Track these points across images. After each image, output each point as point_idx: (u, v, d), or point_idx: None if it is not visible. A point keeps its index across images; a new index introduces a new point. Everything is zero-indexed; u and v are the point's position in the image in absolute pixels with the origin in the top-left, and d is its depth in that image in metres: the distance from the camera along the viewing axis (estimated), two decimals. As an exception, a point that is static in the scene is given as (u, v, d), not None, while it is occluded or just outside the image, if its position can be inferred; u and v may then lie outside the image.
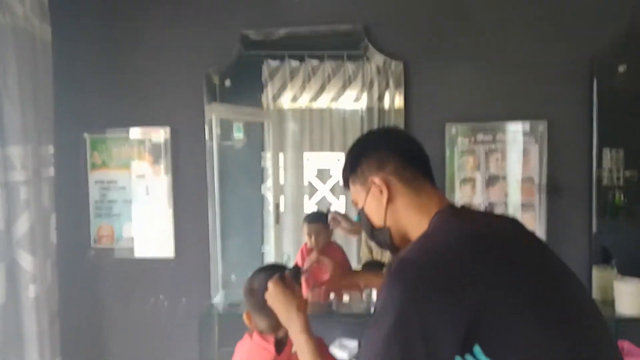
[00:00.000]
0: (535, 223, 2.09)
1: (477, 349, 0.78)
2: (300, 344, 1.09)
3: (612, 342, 0.94)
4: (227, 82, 2.30)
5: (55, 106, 2.09)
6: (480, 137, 2.12)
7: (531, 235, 0.99)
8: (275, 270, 1.36)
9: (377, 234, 1.05)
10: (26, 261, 1.85)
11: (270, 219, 2.49)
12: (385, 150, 1.03)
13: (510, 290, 0.80)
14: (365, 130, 2.42)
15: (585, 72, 2.07)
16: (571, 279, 0.93)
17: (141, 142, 2.21)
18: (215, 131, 2.32)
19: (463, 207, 1.02)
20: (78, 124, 2.22)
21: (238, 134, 2.53)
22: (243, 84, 2.40)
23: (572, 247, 2.04)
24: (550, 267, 0.92)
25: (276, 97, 2.46)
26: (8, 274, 1.80)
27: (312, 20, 2.19)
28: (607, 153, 2.14)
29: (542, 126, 2.08)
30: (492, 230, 0.92)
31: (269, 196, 2.49)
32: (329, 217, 2.31)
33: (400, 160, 1.01)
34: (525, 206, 2.12)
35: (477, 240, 0.87)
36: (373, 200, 1.02)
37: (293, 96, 2.46)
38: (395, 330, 0.78)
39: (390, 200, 1.00)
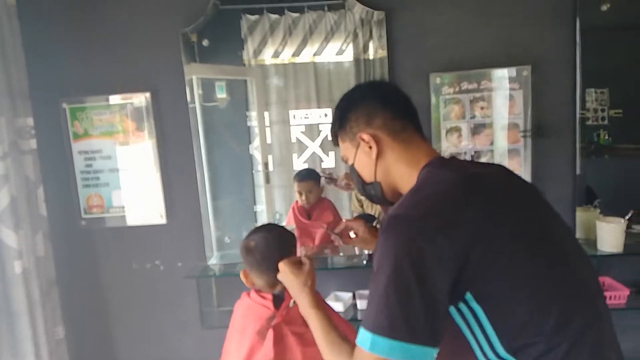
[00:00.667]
0: (521, 167, 2.14)
1: (468, 295, 0.82)
2: (312, 319, 1.12)
3: (595, 278, 0.98)
4: (205, 42, 2.25)
5: (29, 76, 2.04)
6: (464, 85, 2.13)
7: (518, 178, 1.02)
8: (271, 229, 1.41)
9: (369, 189, 1.08)
10: (8, 237, 1.86)
11: (260, 178, 2.51)
12: (372, 104, 1.03)
13: (497, 233, 0.83)
14: (351, 83, 2.42)
15: (569, 13, 2.06)
16: (556, 220, 0.96)
17: (122, 109, 2.19)
18: (197, 92, 2.29)
19: (452, 158, 1.04)
20: (55, 94, 2.17)
21: (221, 94, 2.51)
22: (222, 41, 2.36)
23: (557, 189, 2.10)
24: (536, 208, 0.95)
25: (257, 52, 2.42)
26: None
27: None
28: (591, 93, 2.18)
29: (526, 71, 2.08)
30: (478, 176, 0.94)
31: (258, 156, 2.51)
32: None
33: (388, 112, 1.02)
34: (510, 151, 2.16)
35: (464, 185, 0.89)
36: (363, 156, 1.04)
37: (275, 51, 2.43)
38: (391, 284, 0.81)
39: (379, 155, 1.02)
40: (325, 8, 2.33)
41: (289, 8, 2.35)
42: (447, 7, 2.11)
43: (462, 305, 0.84)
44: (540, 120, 2.12)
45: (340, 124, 1.07)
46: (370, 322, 0.83)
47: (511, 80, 2.11)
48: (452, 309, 0.85)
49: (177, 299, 2.30)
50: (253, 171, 2.54)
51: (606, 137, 2.24)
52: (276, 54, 2.43)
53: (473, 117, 2.16)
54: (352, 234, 1.45)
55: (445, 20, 2.11)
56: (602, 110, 2.22)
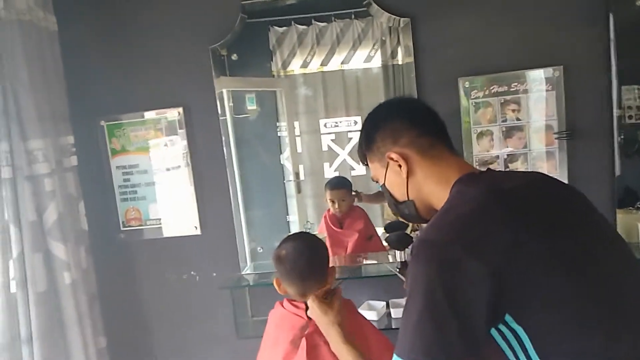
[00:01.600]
0: (557, 170, 2.10)
1: (508, 317, 0.80)
2: (343, 354, 1.23)
3: None
4: (234, 56, 2.32)
5: (69, 96, 2.16)
6: (494, 88, 2.11)
7: (558, 187, 0.99)
8: (302, 238, 1.46)
9: (402, 208, 1.07)
10: (58, 249, 1.95)
11: (291, 188, 2.56)
12: (398, 121, 1.03)
13: (531, 250, 0.80)
14: (380, 89, 2.44)
15: (601, 9, 2.02)
16: (600, 229, 0.92)
17: (157, 125, 2.28)
18: (228, 104, 2.36)
19: (485, 172, 1.00)
20: (93, 113, 2.29)
21: (251, 105, 2.58)
22: (251, 53, 2.42)
23: (595, 192, 1.98)
24: (576, 220, 0.91)
25: (286, 63, 2.48)
26: (45, 263, 1.92)
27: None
28: (632, 91, 2.11)
29: (557, 72, 2.05)
30: (510, 190, 0.91)
31: (289, 166, 2.55)
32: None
33: (415, 129, 1.02)
34: (545, 154, 2.12)
35: (494, 202, 0.87)
36: (393, 175, 1.04)
37: (303, 61, 2.48)
38: (426, 311, 0.80)
39: (410, 173, 1.01)
40: (352, 16, 2.37)
41: (316, 18, 2.40)
42: (473, 10, 2.10)
43: (502, 327, 0.82)
44: (575, 122, 2.08)
45: (367, 145, 1.08)
46: (407, 350, 0.82)
47: (543, 81, 2.08)
48: (494, 331, 0.83)
49: (212, 309, 2.36)
50: (284, 181, 2.58)
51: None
52: (305, 64, 2.49)
53: (504, 120, 2.13)
54: None
55: (472, 23, 2.10)
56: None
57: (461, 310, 0.79)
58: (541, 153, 2.13)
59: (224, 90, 2.32)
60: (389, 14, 2.14)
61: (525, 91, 2.10)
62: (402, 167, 1.01)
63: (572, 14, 2.04)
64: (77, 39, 2.24)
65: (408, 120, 1.03)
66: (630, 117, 2.11)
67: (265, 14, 2.30)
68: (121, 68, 2.28)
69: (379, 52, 2.40)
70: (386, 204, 2.42)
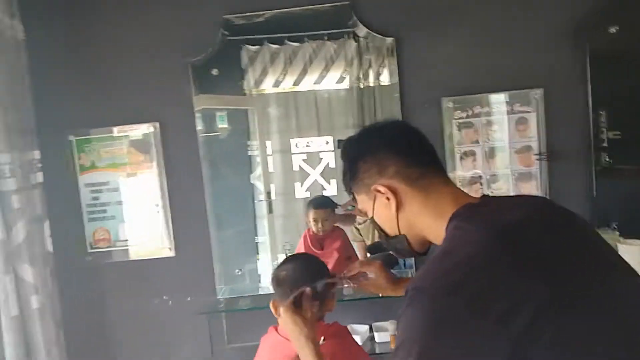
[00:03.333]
0: (538, 191, 2.19)
1: None
2: None
3: None
4: (215, 71, 2.31)
5: (36, 108, 2.07)
6: (477, 109, 2.20)
7: (561, 215, 0.92)
8: (302, 258, 1.42)
9: (394, 243, 1.00)
10: (25, 272, 1.86)
11: (262, 208, 2.52)
12: (382, 151, 0.97)
13: (540, 300, 0.75)
14: (350, 110, 2.46)
15: (578, 34, 2.14)
16: (606, 258, 0.87)
17: (129, 140, 2.22)
18: (200, 122, 2.33)
19: (482, 203, 0.92)
20: (61, 126, 2.21)
21: (222, 123, 2.54)
22: (222, 71, 2.41)
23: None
24: (583, 252, 0.86)
25: (258, 82, 2.47)
26: (15, 286, 1.82)
27: (297, 1, 2.22)
28: (604, 115, 2.23)
29: (538, 94, 2.17)
30: (514, 227, 0.84)
31: (259, 185, 2.52)
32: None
33: (402, 158, 0.95)
34: (526, 175, 2.22)
35: (497, 246, 0.80)
36: (381, 208, 0.97)
37: (275, 81, 2.48)
38: None
39: (399, 206, 0.94)
40: (325, 37, 2.40)
41: (289, 38, 2.41)
42: (457, 32, 2.19)
43: None
44: (554, 143, 2.19)
45: (351, 176, 1.01)
46: None
47: (524, 103, 2.19)
48: None
49: (186, 335, 2.28)
50: (255, 201, 2.54)
51: (606, 159, 2.30)
52: (277, 84, 2.48)
53: (487, 140, 2.23)
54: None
55: (456, 45, 2.19)
56: (601, 132, 2.29)
57: None
58: (522, 174, 2.23)
59: (196, 108, 2.27)
60: (374, 33, 2.20)
61: (507, 112, 2.21)
62: (390, 200, 0.94)
63: (552, 38, 2.17)
64: (46, 48, 2.16)
65: (394, 148, 0.97)
66: (603, 140, 2.24)
67: (241, 31, 2.30)
68: (92, 80, 2.22)
69: (351, 73, 2.44)
70: (352, 227, 2.47)
